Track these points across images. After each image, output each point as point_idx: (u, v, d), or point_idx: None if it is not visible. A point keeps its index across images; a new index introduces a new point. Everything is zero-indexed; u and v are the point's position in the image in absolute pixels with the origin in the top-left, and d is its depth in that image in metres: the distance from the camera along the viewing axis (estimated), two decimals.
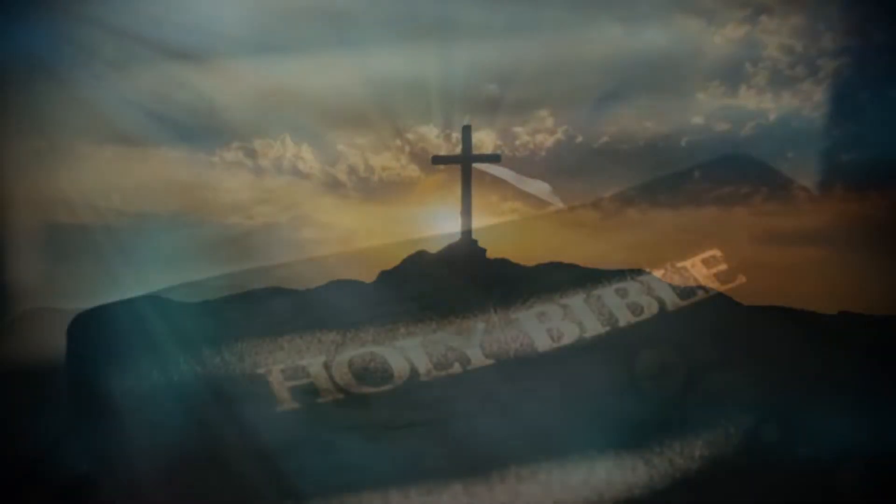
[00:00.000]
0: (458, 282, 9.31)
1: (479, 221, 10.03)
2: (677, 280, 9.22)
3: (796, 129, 11.17)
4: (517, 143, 11.80)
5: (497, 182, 10.61)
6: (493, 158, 10.27)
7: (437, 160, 10.45)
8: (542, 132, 11.84)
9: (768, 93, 11.26)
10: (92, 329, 9.08)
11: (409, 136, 12.03)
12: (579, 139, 11.75)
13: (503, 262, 9.78)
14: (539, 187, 11.04)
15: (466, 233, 9.95)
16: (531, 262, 9.68)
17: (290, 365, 8.62)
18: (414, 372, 8.62)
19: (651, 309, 9.02)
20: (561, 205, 10.88)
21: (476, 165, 10.07)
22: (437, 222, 10.82)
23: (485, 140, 11.05)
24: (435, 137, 11.81)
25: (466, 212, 9.97)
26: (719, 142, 11.36)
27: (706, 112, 11.45)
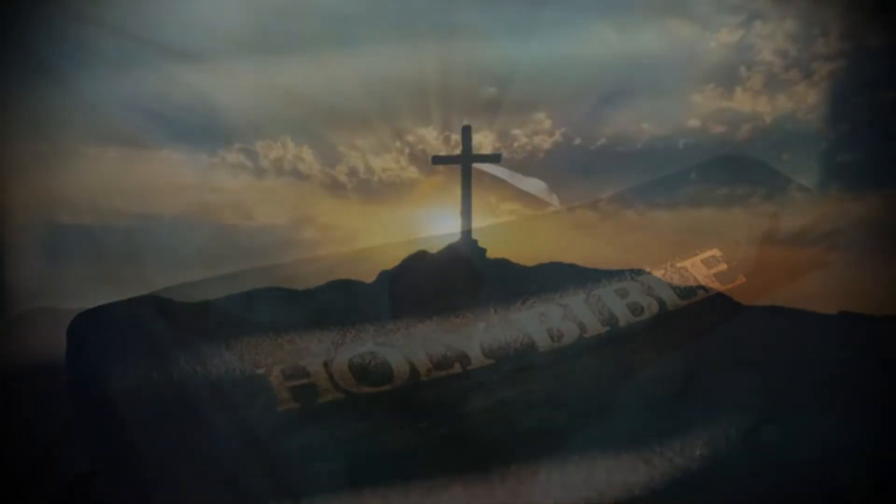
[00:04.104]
0: (458, 282, 9.30)
1: (479, 221, 10.03)
2: (677, 280, 9.21)
3: (791, 131, 11.29)
4: (516, 144, 11.81)
5: (497, 182, 10.61)
6: (494, 158, 10.26)
7: (438, 160, 10.43)
8: (540, 134, 11.86)
9: (763, 95, 11.37)
10: (92, 329, 9.07)
11: (409, 137, 12.04)
12: (577, 141, 11.77)
13: (503, 262, 9.78)
14: (539, 187, 11.04)
15: (466, 233, 9.95)
16: (531, 262, 9.66)
17: (290, 365, 8.61)
18: (414, 372, 8.61)
19: (651, 309, 9.01)
20: (558, 205, 10.90)
21: (476, 165, 10.07)
22: (437, 222, 10.81)
23: (483, 142, 11.09)
24: (434, 139, 11.81)
25: (466, 212, 9.97)
26: (716, 144, 11.44)
27: (702, 115, 11.54)
